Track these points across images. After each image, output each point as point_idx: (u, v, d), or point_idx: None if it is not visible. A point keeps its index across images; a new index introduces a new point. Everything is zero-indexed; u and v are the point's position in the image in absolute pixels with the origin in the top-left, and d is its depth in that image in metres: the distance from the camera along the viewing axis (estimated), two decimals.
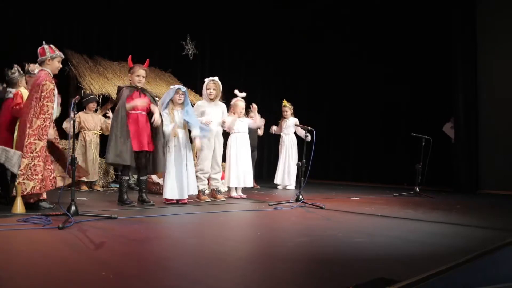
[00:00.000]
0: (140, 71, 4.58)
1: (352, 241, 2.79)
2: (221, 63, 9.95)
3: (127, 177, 4.59)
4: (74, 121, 3.54)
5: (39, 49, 4.11)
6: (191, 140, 4.95)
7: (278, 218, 3.94)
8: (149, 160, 4.58)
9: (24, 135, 3.91)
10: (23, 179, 3.80)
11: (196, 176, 4.97)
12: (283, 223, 3.70)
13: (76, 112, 3.73)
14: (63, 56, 4.25)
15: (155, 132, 4.57)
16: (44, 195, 4.05)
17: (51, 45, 4.16)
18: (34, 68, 4.55)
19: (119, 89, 4.64)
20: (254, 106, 5.95)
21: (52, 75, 4.14)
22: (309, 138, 5.08)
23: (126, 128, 4.37)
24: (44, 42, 4.15)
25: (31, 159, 3.86)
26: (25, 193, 3.81)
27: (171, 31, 9.13)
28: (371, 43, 9.40)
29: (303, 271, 2.11)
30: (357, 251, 2.50)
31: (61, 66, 4.24)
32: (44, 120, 3.96)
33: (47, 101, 3.97)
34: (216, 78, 5.33)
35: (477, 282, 2.10)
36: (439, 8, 7.97)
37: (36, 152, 3.89)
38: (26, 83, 4.71)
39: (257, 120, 6.04)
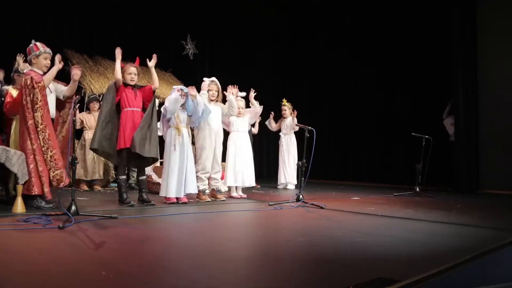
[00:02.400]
0: (131, 69, 4.57)
1: (352, 241, 2.79)
2: (221, 63, 9.95)
3: (123, 177, 4.58)
4: (74, 121, 3.54)
5: (27, 49, 4.04)
6: (193, 141, 4.97)
7: (278, 218, 3.94)
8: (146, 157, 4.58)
9: (24, 135, 3.89)
10: (53, 171, 3.85)
11: (197, 176, 4.98)
12: (283, 223, 3.71)
13: (76, 112, 3.73)
14: (49, 52, 4.12)
15: (149, 129, 4.56)
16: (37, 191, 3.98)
17: (37, 43, 4.05)
18: (24, 67, 4.52)
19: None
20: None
21: (42, 73, 4.06)
22: (305, 133, 5.06)
23: (112, 123, 4.42)
24: (33, 41, 4.06)
25: (47, 149, 3.88)
26: (63, 182, 3.89)
27: (171, 31, 9.13)
28: (371, 42, 9.39)
29: (303, 271, 2.11)
30: (357, 251, 2.50)
31: (49, 63, 4.12)
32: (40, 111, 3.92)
33: (40, 100, 3.93)
34: (215, 79, 5.36)
35: (477, 282, 2.10)
36: (439, 8, 7.96)
37: (49, 140, 3.90)
38: (15, 81, 4.70)
39: (256, 108, 6.04)
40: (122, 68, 4.57)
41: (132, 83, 4.58)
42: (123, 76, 4.55)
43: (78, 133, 6.40)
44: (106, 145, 4.39)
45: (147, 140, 4.46)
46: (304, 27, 10.67)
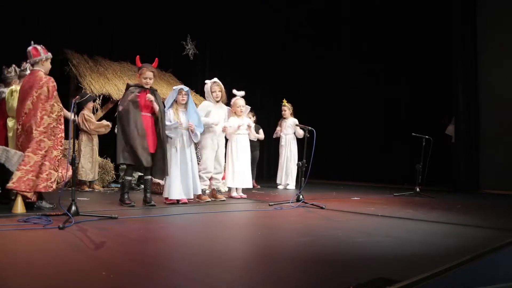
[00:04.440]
0: (148, 73, 4.51)
1: (352, 241, 2.79)
2: (221, 63, 9.95)
3: (130, 178, 4.58)
4: (74, 121, 3.54)
5: (31, 50, 4.04)
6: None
7: (278, 218, 3.94)
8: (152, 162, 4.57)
9: (31, 135, 3.88)
10: (32, 175, 3.77)
11: (199, 175, 4.99)
12: (283, 223, 3.71)
13: (76, 113, 3.72)
14: (52, 56, 4.19)
15: (160, 138, 4.53)
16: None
17: (37, 46, 4.08)
18: (27, 67, 4.53)
19: (128, 86, 4.57)
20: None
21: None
22: (305, 133, 5.02)
23: (141, 127, 4.37)
24: (32, 42, 4.08)
25: (41, 157, 3.83)
26: (36, 189, 3.80)
27: (171, 31, 9.13)
28: (371, 42, 9.39)
29: (303, 271, 2.11)
30: (357, 251, 2.50)
31: (50, 66, 4.19)
32: (53, 120, 3.94)
33: (55, 101, 3.96)
34: (217, 80, 5.36)
35: (477, 282, 2.10)
36: (439, 8, 7.97)
37: (45, 151, 3.87)
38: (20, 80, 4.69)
39: (252, 134, 6.06)
40: (139, 68, 4.55)
41: (147, 86, 4.55)
42: (138, 78, 4.55)
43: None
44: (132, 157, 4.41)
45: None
46: (304, 27, 10.66)
